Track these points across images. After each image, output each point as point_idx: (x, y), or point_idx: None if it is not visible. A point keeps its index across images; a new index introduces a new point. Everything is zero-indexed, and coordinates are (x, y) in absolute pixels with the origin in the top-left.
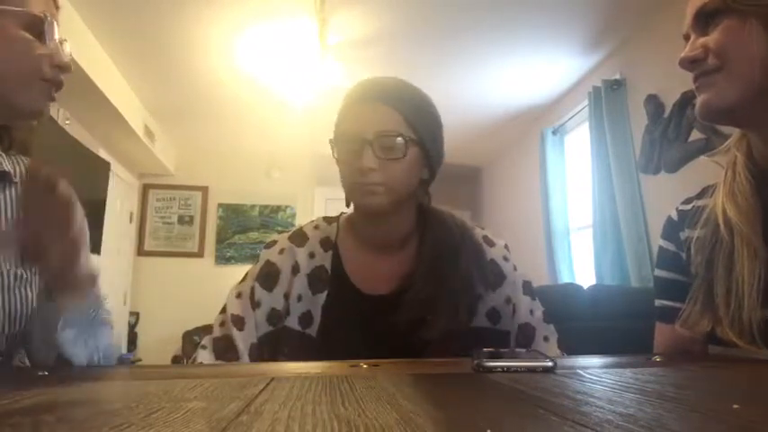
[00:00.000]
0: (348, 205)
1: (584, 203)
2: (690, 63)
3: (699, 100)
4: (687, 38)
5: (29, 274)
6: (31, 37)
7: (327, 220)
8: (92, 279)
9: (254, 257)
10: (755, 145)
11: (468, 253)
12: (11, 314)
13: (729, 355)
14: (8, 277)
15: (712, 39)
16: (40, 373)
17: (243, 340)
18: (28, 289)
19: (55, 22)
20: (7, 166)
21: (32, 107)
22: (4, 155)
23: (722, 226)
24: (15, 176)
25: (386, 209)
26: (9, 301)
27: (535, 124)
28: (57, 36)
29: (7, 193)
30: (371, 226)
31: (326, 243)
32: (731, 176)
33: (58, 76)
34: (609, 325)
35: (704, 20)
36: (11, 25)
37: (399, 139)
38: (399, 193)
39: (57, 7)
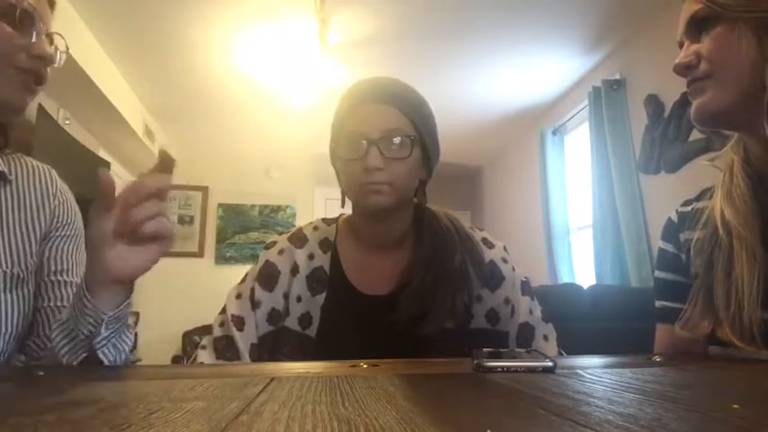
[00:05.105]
0: (343, 206)
1: (584, 203)
2: (683, 69)
3: (693, 105)
4: (681, 45)
5: (25, 273)
6: (6, 27)
7: (326, 221)
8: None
9: (254, 257)
10: (751, 148)
11: (463, 249)
12: (7, 314)
13: (729, 355)
14: (4, 278)
15: (704, 45)
16: (40, 373)
17: (243, 340)
18: (24, 288)
19: (37, 14)
20: (2, 165)
21: (7, 98)
22: None
23: (720, 228)
24: (10, 174)
25: (389, 208)
26: (6, 301)
27: (535, 124)
28: (42, 28)
29: (3, 193)
30: (371, 226)
31: (325, 244)
32: (728, 179)
33: (37, 66)
34: (609, 325)
35: (696, 27)
36: None
37: (405, 138)
38: (403, 192)
39: (51, 5)
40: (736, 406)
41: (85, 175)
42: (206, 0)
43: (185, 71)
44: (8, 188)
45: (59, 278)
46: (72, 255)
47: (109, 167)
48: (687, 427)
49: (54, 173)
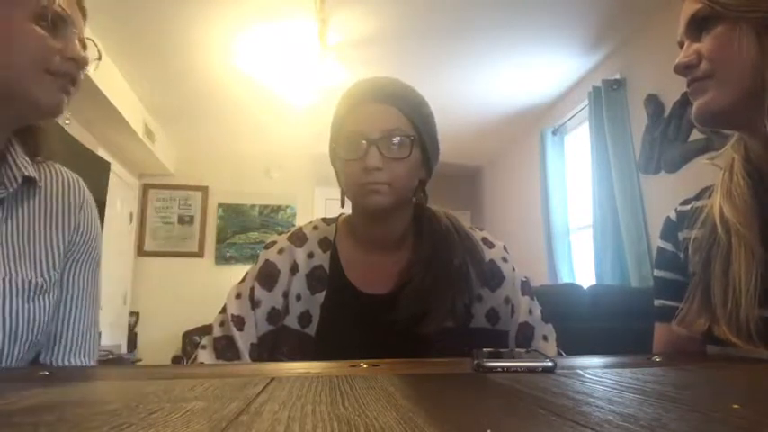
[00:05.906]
0: (343, 206)
1: (584, 203)
2: (683, 69)
3: (693, 105)
4: (681, 45)
5: (48, 284)
6: (40, 30)
7: (326, 220)
8: None
9: (254, 257)
10: (751, 147)
11: (463, 249)
12: (29, 322)
13: (728, 354)
14: (26, 286)
15: (705, 45)
16: (40, 373)
17: (243, 340)
18: (46, 298)
19: (69, 18)
20: (32, 172)
21: (44, 100)
22: (28, 160)
23: (719, 226)
24: (40, 181)
25: (389, 208)
26: (28, 309)
27: (535, 124)
28: (74, 32)
29: (32, 201)
30: (370, 226)
31: (325, 243)
32: (728, 178)
33: (71, 69)
34: (609, 325)
35: (697, 27)
36: (19, 17)
37: (405, 138)
38: (402, 192)
39: (83, 12)
40: (736, 406)
41: (85, 175)
42: (206, 0)
43: (185, 71)
44: (38, 196)
45: (76, 303)
46: (89, 278)
47: (109, 167)
48: (687, 427)
49: (82, 183)
